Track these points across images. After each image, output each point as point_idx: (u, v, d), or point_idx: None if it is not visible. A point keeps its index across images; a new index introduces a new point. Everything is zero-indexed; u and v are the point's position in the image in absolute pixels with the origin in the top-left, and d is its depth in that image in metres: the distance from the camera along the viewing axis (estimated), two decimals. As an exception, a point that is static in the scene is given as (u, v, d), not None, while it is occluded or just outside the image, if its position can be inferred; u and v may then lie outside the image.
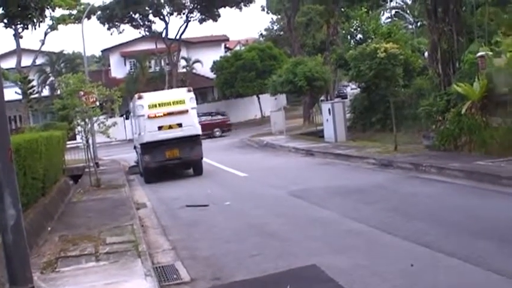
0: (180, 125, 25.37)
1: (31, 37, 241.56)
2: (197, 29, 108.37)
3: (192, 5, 65.33)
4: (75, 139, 31.56)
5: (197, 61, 70.38)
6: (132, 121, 31.95)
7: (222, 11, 66.34)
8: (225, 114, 58.16)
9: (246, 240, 12.61)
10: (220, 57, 68.32)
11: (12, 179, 8.17)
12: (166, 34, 66.80)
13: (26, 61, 59.83)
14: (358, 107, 38.90)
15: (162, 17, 65.69)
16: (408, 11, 64.38)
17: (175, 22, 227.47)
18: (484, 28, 29.55)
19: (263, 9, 71.46)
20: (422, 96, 29.26)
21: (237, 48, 75.95)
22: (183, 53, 70.63)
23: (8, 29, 30.17)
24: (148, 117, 25.21)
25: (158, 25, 73.18)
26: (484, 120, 21.14)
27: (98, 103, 25.85)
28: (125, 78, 68.09)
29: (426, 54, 34.35)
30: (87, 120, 24.52)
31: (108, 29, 65.07)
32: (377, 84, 34.86)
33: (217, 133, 53.75)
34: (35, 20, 20.02)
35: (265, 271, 10.11)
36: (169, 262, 11.55)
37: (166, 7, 65.32)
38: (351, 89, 65.51)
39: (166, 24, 66.12)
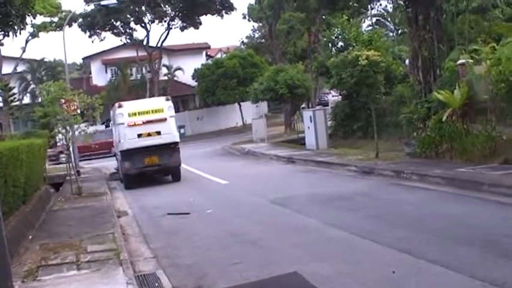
0: (158, 133, 25.89)
1: (12, 44, 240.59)
2: (178, 37, 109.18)
3: (173, 13, 65.38)
4: (56, 147, 31.37)
5: (178, 69, 70.36)
6: (112, 129, 32.39)
7: (203, 18, 66.49)
8: None
9: (228, 248, 12.56)
10: (202, 65, 68.41)
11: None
12: (148, 42, 66.79)
13: (7, 68, 59.39)
14: (339, 115, 39.01)
15: (143, 24, 65.64)
16: (389, 19, 64.84)
17: (157, 30, 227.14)
18: (465, 36, 29.79)
19: (244, 17, 71.72)
20: (403, 103, 29.45)
21: (219, 56, 76.03)
22: (165, 60, 70.59)
23: (-11, 36, 30.01)
24: (128, 125, 25.74)
25: (139, 33, 72.98)
26: (465, 127, 21.27)
27: (79, 111, 25.83)
28: (106, 86, 67.90)
29: (407, 61, 34.66)
30: (68, 128, 24.45)
31: (90, 36, 64.91)
32: (358, 91, 34.94)
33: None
34: (16, 27, 19.95)
35: (247, 279, 10.08)
36: (151, 270, 11.49)
37: (148, 15, 65.29)
38: (332, 96, 65.72)
39: (148, 32, 66.16)
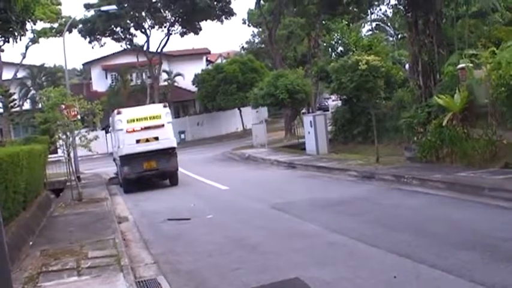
0: (156, 138, 26.62)
1: (12, 50, 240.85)
2: (178, 42, 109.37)
3: (173, 19, 65.53)
4: (56, 153, 31.37)
5: (178, 74, 70.45)
6: (111, 135, 33.06)
7: (203, 24, 66.81)
8: None
9: (228, 254, 12.55)
10: (202, 70, 68.43)
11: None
12: (148, 47, 66.93)
13: (7, 74, 59.48)
14: (339, 120, 38.98)
15: (143, 30, 65.80)
16: (389, 24, 64.76)
17: (157, 35, 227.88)
18: (465, 40, 29.79)
19: (244, 22, 71.85)
20: (403, 108, 29.44)
21: (219, 61, 76.12)
22: (165, 66, 70.71)
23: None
24: (127, 131, 26.51)
25: (140, 38, 73.43)
26: (465, 131, 21.28)
27: (79, 116, 25.83)
28: (107, 91, 68.03)
29: (407, 66, 34.64)
30: (68, 133, 24.47)
31: (90, 42, 65.08)
32: (358, 96, 35.00)
33: None
34: (16, 33, 19.94)
35: (248, 284, 10.06)
36: (151, 276, 11.47)
37: (148, 20, 65.49)
38: (333, 101, 65.68)
39: (148, 37, 66.33)
